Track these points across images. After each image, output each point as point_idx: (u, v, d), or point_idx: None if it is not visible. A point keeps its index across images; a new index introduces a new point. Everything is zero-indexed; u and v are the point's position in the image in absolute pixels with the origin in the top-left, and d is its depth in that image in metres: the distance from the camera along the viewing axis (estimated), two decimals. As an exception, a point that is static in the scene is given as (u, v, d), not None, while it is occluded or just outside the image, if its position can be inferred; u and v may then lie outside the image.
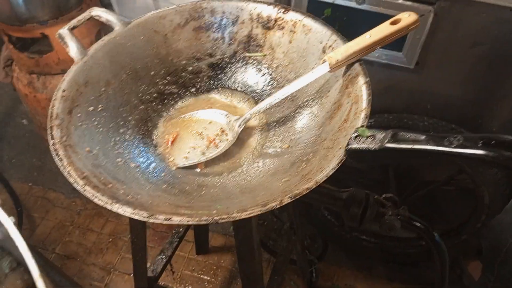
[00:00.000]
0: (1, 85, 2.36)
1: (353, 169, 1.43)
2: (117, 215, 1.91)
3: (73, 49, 0.81)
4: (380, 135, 0.60)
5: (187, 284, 1.70)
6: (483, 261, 1.22)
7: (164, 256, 1.28)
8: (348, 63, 0.75)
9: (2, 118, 2.34)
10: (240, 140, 0.86)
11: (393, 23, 0.73)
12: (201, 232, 1.68)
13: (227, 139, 0.85)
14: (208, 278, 1.72)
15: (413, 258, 1.67)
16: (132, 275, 1.65)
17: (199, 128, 0.88)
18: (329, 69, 0.75)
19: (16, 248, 0.64)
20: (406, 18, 0.73)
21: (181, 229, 1.36)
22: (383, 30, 0.73)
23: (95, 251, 1.82)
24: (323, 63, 0.75)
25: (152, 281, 1.22)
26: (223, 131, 0.86)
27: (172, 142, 0.86)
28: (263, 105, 0.82)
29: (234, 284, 1.70)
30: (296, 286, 1.68)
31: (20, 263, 0.70)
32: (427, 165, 1.43)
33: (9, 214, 0.71)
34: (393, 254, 1.68)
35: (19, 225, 1.80)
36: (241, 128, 0.85)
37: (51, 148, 0.69)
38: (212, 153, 0.83)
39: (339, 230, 1.66)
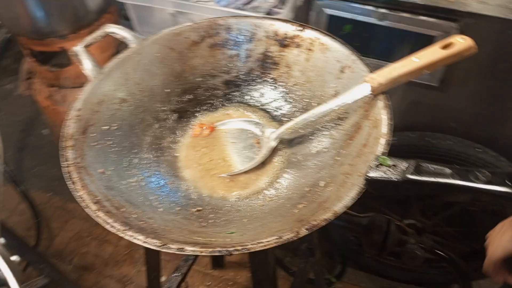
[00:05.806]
0: (22, 96, 2.39)
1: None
2: (134, 228, 1.90)
3: (87, 66, 0.81)
4: (402, 165, 0.57)
5: (202, 301, 1.68)
6: None
7: (179, 274, 1.26)
8: (392, 87, 0.69)
9: (23, 128, 2.37)
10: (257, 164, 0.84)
11: (445, 47, 0.66)
12: (217, 247, 1.65)
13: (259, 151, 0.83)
14: (224, 295, 1.69)
15: (435, 279, 1.62)
16: (147, 289, 1.65)
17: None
18: (371, 92, 0.69)
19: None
20: (460, 42, 0.66)
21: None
22: (433, 53, 0.66)
23: (112, 263, 1.81)
24: (363, 83, 0.70)
25: (166, 299, 1.20)
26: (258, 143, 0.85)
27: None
28: (298, 120, 0.79)
29: (250, 301, 1.67)
30: (314, 306, 1.63)
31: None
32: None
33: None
34: (414, 275, 1.62)
35: (38, 235, 1.80)
36: (277, 142, 0.83)
37: (64, 170, 0.68)
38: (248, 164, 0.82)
39: (358, 248, 1.61)
